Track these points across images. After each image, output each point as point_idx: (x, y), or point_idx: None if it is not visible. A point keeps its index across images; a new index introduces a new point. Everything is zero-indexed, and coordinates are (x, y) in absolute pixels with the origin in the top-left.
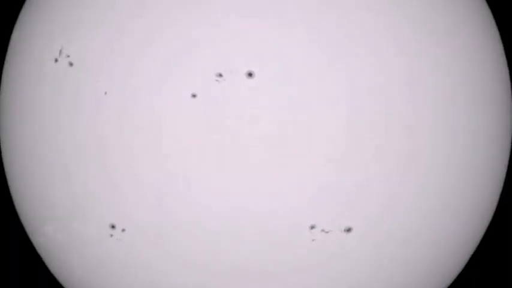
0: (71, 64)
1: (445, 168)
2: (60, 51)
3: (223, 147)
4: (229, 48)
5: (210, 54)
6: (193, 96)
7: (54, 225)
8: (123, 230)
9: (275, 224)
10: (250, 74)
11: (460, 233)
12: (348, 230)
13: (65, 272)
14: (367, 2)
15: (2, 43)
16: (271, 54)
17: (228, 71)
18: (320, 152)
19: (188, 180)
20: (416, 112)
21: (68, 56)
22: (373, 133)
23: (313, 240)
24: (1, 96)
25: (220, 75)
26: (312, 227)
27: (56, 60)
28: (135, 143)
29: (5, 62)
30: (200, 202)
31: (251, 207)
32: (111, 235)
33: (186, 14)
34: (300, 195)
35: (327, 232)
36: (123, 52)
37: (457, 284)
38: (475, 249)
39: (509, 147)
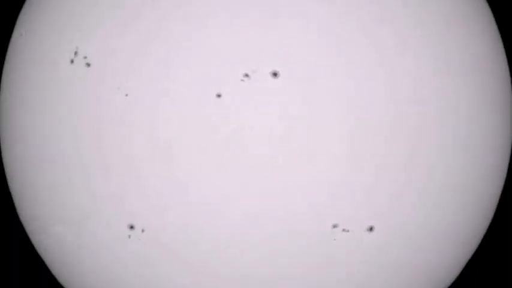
0: (88, 65)
1: (447, 168)
2: (76, 52)
3: (248, 147)
4: (254, 48)
5: (236, 54)
6: (218, 96)
7: (64, 227)
8: (143, 231)
9: (298, 225)
10: (275, 74)
11: (460, 233)
12: (370, 229)
13: (71, 273)
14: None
15: (2, 43)
16: (295, 54)
17: (253, 71)
18: (344, 151)
19: (212, 181)
20: (421, 112)
21: (85, 57)
22: (393, 133)
23: (334, 239)
24: (2, 96)
25: (246, 75)
26: (334, 226)
27: (72, 62)
28: (158, 143)
29: (6, 62)
30: (224, 203)
31: (274, 207)
32: (129, 236)
33: (212, 14)
34: (324, 195)
35: (349, 231)
36: (146, 52)
37: (457, 284)
38: (475, 249)
39: (509, 147)
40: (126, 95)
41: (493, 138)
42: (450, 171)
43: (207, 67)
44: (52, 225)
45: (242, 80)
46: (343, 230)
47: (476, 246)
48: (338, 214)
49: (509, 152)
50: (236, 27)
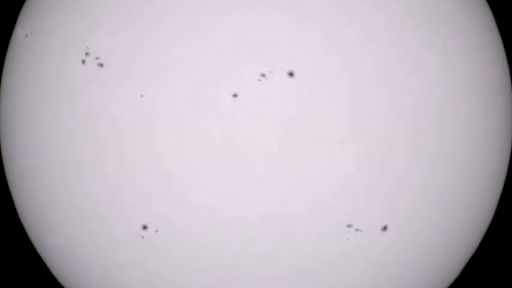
0: (100, 65)
1: (446, 167)
2: (87, 53)
3: (265, 147)
4: (271, 48)
5: (252, 54)
6: (234, 96)
7: (73, 228)
8: (156, 231)
9: (312, 225)
10: (291, 74)
11: (460, 232)
12: (384, 228)
13: (77, 274)
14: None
15: (2, 43)
16: (311, 54)
17: (270, 71)
18: (359, 151)
19: (228, 181)
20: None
21: (98, 58)
22: (406, 134)
23: (348, 239)
24: (3, 97)
25: (263, 74)
26: (349, 226)
27: (84, 62)
28: (173, 143)
29: (9, 63)
30: (241, 203)
31: (289, 208)
32: (143, 236)
33: (229, 14)
34: (338, 195)
35: (363, 231)
36: (160, 52)
37: (457, 284)
38: (475, 249)
39: (509, 147)
40: (141, 95)
41: (493, 139)
42: (450, 171)
43: (223, 67)
44: (61, 226)
45: (259, 80)
46: (357, 229)
47: (476, 246)
48: (352, 214)
49: (509, 152)
50: (253, 27)
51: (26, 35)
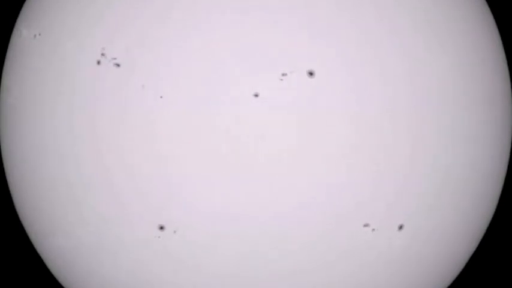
0: (117, 65)
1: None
2: (103, 53)
3: (286, 147)
4: (291, 47)
5: (274, 54)
6: (256, 95)
7: (73, 228)
8: (175, 232)
9: (329, 224)
10: (311, 73)
11: (460, 232)
12: (400, 227)
13: (85, 276)
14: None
15: (2, 43)
16: (331, 53)
17: (290, 71)
18: (376, 151)
19: (250, 180)
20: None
21: (115, 58)
22: (420, 134)
23: (365, 239)
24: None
25: (284, 74)
26: (365, 225)
27: (99, 63)
28: (194, 143)
29: (15, 64)
30: (262, 202)
31: (306, 208)
32: (159, 237)
33: (248, 13)
34: (356, 194)
35: (380, 230)
36: (181, 51)
37: (457, 284)
38: (475, 249)
39: (509, 147)
40: (161, 97)
41: (492, 138)
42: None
43: (244, 67)
44: (61, 227)
45: (281, 80)
46: (373, 229)
47: (476, 246)
48: (369, 214)
49: (508, 152)
50: (273, 27)
51: (35, 35)
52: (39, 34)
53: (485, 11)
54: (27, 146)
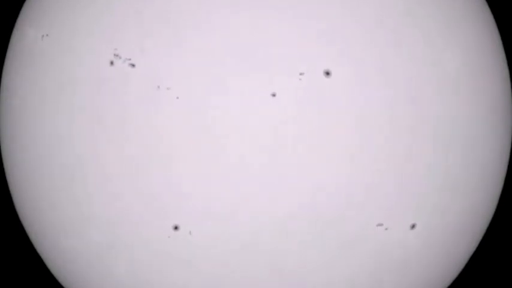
0: (132, 66)
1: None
2: (116, 54)
3: (304, 146)
4: (307, 47)
5: (291, 54)
6: (273, 95)
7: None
8: (190, 233)
9: (345, 225)
10: (327, 73)
11: (460, 232)
12: (413, 226)
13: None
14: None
15: (2, 43)
16: (347, 53)
17: (307, 70)
18: (391, 150)
19: (266, 180)
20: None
21: (129, 59)
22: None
23: (378, 238)
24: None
25: (301, 73)
26: (379, 225)
27: (112, 63)
28: (210, 143)
29: (15, 64)
30: (278, 203)
31: (319, 207)
32: (169, 237)
33: (265, 12)
34: (370, 194)
35: (392, 229)
36: (196, 51)
37: (457, 284)
38: (475, 249)
39: (509, 147)
40: (177, 97)
41: (492, 138)
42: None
43: (262, 67)
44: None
45: (300, 79)
46: (386, 228)
47: (476, 246)
48: (382, 213)
49: (508, 152)
50: (289, 27)
51: (42, 36)
52: (47, 35)
53: (485, 11)
54: (28, 146)
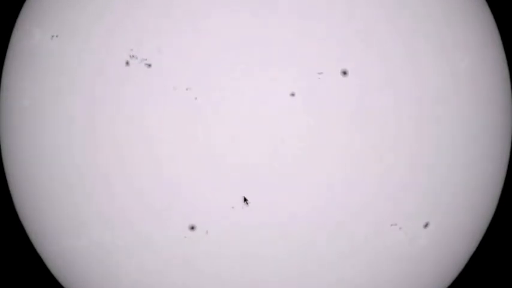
0: (149, 66)
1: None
2: (132, 55)
3: (320, 146)
4: (323, 48)
5: (307, 54)
6: (292, 95)
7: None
8: (207, 232)
9: (359, 225)
10: (344, 73)
11: (460, 232)
12: (426, 225)
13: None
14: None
15: (2, 43)
16: (363, 53)
17: (324, 71)
18: (405, 150)
19: (283, 179)
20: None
21: (145, 59)
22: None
23: (391, 238)
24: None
25: (320, 73)
26: (392, 225)
27: (127, 63)
28: (228, 142)
29: (21, 64)
30: (290, 202)
31: (333, 207)
32: (188, 237)
33: (283, 12)
34: (385, 193)
35: (407, 229)
36: (214, 51)
37: (457, 284)
38: (475, 249)
39: (509, 147)
40: (196, 98)
41: (492, 138)
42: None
43: (281, 66)
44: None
45: (319, 79)
46: (400, 228)
47: (476, 246)
48: (396, 213)
49: (508, 152)
50: (302, 28)
51: (52, 36)
52: (57, 36)
53: (485, 11)
54: (28, 146)
